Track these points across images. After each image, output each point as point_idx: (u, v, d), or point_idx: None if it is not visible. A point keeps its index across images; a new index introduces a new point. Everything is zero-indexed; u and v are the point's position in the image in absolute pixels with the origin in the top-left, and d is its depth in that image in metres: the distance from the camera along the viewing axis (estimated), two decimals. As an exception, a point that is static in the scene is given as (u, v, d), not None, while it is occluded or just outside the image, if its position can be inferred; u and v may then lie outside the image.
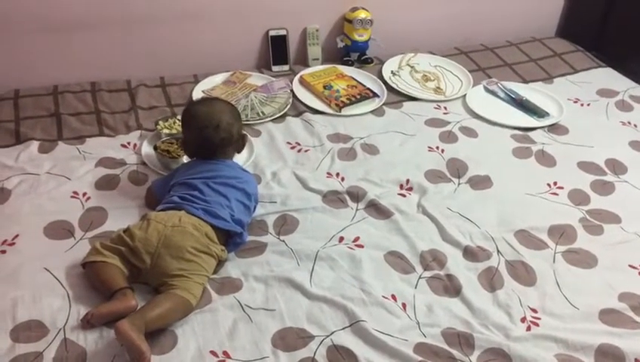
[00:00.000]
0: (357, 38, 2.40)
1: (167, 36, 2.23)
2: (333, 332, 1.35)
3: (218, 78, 2.26)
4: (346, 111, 2.15)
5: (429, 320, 1.40)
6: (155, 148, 1.81)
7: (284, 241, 1.58)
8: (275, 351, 1.30)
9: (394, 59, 2.47)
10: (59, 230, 1.55)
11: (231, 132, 1.60)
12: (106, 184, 1.72)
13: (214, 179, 1.56)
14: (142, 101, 2.10)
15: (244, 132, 1.69)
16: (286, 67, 2.38)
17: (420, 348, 1.32)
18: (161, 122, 1.94)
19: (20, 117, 1.97)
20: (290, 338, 1.33)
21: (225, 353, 1.29)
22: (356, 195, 1.75)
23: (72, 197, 1.66)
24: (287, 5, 2.34)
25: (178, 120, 1.95)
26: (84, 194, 1.68)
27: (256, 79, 2.27)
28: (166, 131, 1.90)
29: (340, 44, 2.41)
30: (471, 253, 1.58)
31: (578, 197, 1.80)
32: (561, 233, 1.66)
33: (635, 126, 2.17)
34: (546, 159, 1.96)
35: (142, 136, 1.93)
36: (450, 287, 1.49)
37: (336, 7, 2.42)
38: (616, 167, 1.94)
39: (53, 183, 1.70)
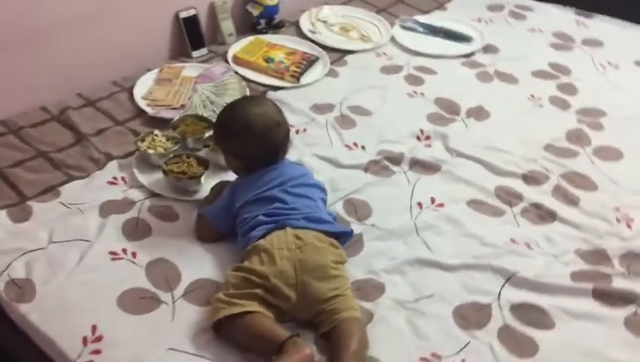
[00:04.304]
0: (269, 2, 2.22)
1: (68, 46, 1.81)
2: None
3: (148, 80, 1.92)
4: (303, 80, 2.00)
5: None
6: (165, 172, 1.51)
7: (374, 225, 1.46)
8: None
9: (303, 18, 2.34)
10: (138, 301, 1.23)
11: (287, 127, 1.40)
12: (136, 233, 1.39)
13: (288, 183, 1.36)
14: (84, 127, 1.71)
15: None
16: (204, 50, 2.12)
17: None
18: (140, 143, 1.61)
19: (-54, 189, 1.47)
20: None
21: (434, 354, 1.17)
22: (395, 158, 1.67)
23: (113, 259, 1.32)
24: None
25: (156, 136, 1.64)
26: (124, 250, 1.34)
27: (190, 70, 1.99)
28: (151, 151, 1.59)
29: (255, 12, 2.21)
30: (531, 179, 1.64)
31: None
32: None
33: (541, 30, 2.38)
34: (507, 76, 2.08)
35: (122, 167, 1.59)
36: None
37: (236, -28, 2.20)
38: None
39: (74, 253, 1.32)
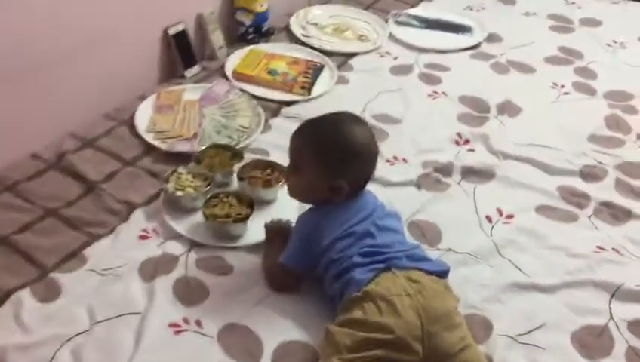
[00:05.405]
0: (259, 8, 2.03)
1: (51, 82, 1.56)
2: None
3: (145, 109, 1.69)
4: (315, 91, 1.84)
5: None
6: (207, 217, 1.31)
7: (451, 249, 1.32)
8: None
9: (292, 23, 2.16)
10: None
11: None
12: (192, 295, 1.19)
13: (374, 214, 1.20)
14: (90, 172, 1.47)
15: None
16: (197, 68, 1.91)
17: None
18: (166, 185, 1.40)
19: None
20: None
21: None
22: (445, 169, 1.54)
23: (177, 332, 1.12)
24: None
25: (180, 173, 1.44)
26: (186, 320, 1.14)
27: (191, 93, 1.78)
28: (180, 193, 1.39)
29: (247, 21, 2.02)
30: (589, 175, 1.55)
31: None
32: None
33: (535, 14, 2.30)
34: (522, 65, 1.99)
35: (149, 216, 1.37)
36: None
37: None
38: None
39: (126, 332, 1.11)
